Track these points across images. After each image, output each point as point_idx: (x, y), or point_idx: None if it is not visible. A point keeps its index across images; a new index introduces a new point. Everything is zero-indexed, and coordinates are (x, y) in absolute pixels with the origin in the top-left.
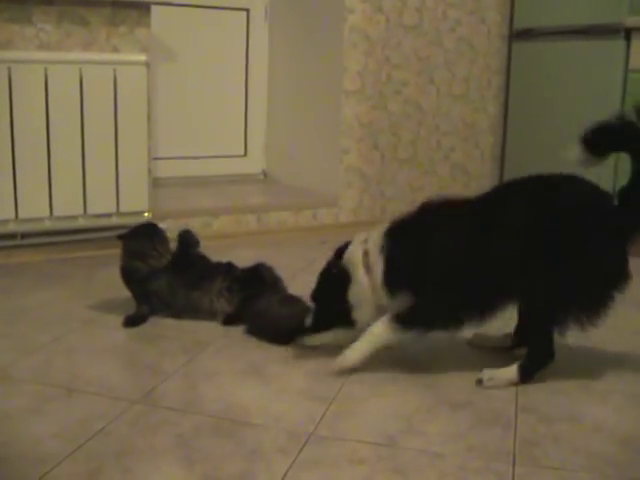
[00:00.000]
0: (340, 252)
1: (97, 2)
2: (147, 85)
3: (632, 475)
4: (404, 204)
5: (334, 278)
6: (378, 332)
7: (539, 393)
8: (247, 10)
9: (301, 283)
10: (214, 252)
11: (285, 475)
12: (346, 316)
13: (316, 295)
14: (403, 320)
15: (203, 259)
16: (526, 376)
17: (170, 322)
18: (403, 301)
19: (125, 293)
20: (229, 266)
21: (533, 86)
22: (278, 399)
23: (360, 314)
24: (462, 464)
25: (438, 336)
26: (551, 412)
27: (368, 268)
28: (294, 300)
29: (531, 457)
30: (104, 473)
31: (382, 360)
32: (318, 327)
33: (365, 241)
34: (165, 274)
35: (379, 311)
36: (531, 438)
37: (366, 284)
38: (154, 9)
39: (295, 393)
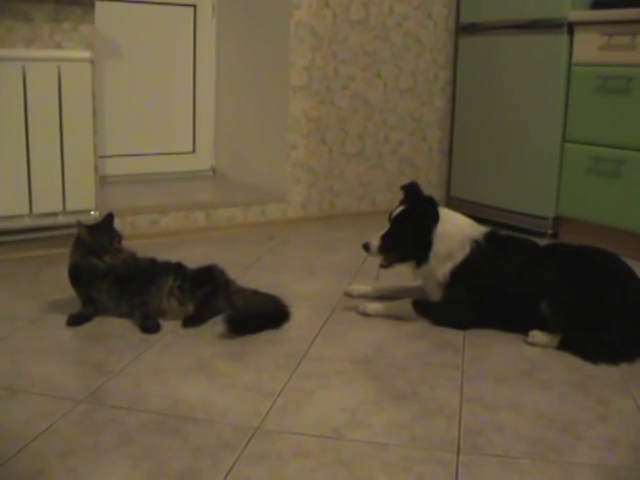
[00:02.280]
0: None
1: None
2: (92, 82)
3: (573, 460)
4: (352, 199)
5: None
6: (404, 308)
7: (483, 383)
8: (194, 6)
9: (250, 279)
10: (163, 249)
11: (230, 470)
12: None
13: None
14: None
15: (151, 261)
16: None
17: (117, 321)
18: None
19: (72, 292)
20: (179, 266)
21: (479, 80)
22: (224, 394)
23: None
24: (406, 454)
25: (383, 329)
26: (495, 401)
27: (462, 243)
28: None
29: (475, 445)
30: (48, 473)
31: (328, 354)
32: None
33: (472, 225)
34: (108, 282)
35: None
36: (475, 427)
37: (442, 251)
38: (99, 5)
39: (241, 388)
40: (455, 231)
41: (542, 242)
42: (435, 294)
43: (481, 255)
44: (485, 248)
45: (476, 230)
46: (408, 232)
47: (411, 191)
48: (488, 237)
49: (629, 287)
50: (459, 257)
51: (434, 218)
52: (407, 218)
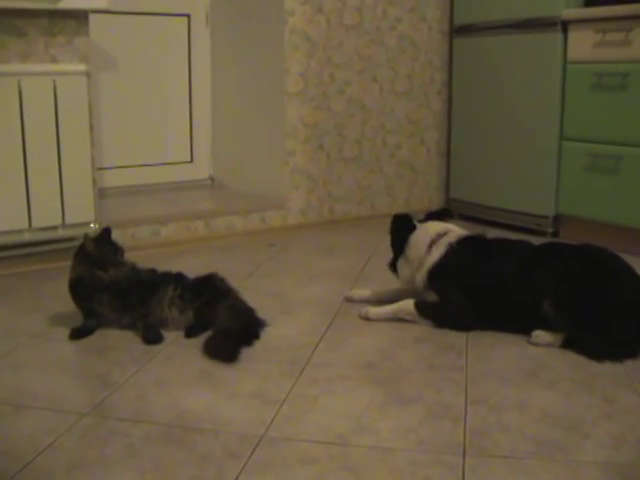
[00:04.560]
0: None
1: (33, 12)
2: (88, 95)
3: (580, 458)
4: (352, 204)
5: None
6: (406, 309)
7: (488, 384)
8: (188, 15)
9: (251, 287)
10: (164, 260)
11: (236, 479)
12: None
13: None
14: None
15: (151, 272)
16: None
17: (119, 333)
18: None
19: (73, 306)
20: (179, 276)
21: (475, 81)
22: (228, 404)
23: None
24: (413, 458)
25: (386, 333)
26: (500, 402)
27: (430, 247)
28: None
29: (481, 447)
30: None
31: (332, 360)
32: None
33: (446, 230)
34: (109, 294)
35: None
36: (481, 429)
37: (415, 254)
38: (92, 18)
39: (245, 397)
40: (423, 237)
41: (543, 241)
42: (430, 296)
43: (457, 255)
44: (461, 249)
45: (452, 234)
46: (394, 248)
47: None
48: (465, 239)
49: (629, 283)
50: (433, 259)
51: (408, 230)
52: (393, 236)
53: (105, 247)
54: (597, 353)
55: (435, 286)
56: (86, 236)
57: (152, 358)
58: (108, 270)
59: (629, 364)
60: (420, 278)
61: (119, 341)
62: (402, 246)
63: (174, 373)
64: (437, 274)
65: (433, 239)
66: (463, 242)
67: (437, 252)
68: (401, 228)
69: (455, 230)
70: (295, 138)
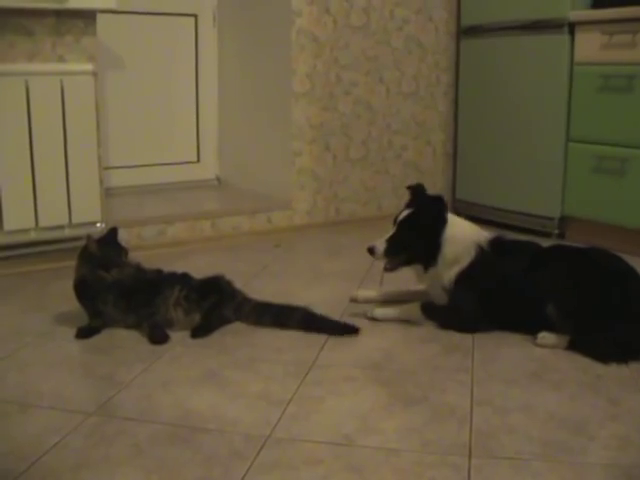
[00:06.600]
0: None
1: (41, 12)
2: (95, 94)
3: (585, 460)
4: (358, 204)
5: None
6: (411, 312)
7: (493, 385)
8: (195, 16)
9: (257, 288)
10: (169, 259)
11: None
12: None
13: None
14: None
15: (156, 272)
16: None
17: (125, 332)
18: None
19: (79, 305)
20: (185, 276)
21: (482, 82)
22: (234, 404)
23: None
24: (418, 459)
25: (391, 334)
26: (506, 403)
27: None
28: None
29: (486, 449)
30: None
31: (337, 360)
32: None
33: (477, 230)
34: (114, 294)
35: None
36: (486, 430)
37: (449, 255)
38: (100, 17)
39: (251, 397)
40: (461, 235)
41: (549, 242)
42: (440, 298)
43: (485, 260)
44: (489, 253)
45: (481, 235)
46: (415, 235)
47: (417, 192)
48: (492, 242)
49: (632, 286)
50: (465, 262)
51: (442, 221)
52: (414, 221)
53: (108, 248)
54: (603, 355)
55: (458, 289)
56: (89, 237)
57: (158, 358)
58: (111, 270)
59: (634, 366)
60: (447, 278)
61: (125, 341)
62: (437, 239)
63: (180, 373)
64: (466, 278)
65: (472, 239)
66: (490, 245)
67: (469, 254)
68: (437, 218)
69: (478, 229)
70: (301, 139)
